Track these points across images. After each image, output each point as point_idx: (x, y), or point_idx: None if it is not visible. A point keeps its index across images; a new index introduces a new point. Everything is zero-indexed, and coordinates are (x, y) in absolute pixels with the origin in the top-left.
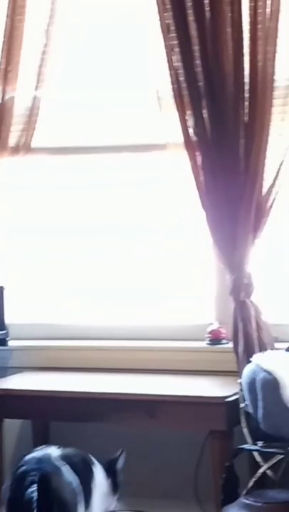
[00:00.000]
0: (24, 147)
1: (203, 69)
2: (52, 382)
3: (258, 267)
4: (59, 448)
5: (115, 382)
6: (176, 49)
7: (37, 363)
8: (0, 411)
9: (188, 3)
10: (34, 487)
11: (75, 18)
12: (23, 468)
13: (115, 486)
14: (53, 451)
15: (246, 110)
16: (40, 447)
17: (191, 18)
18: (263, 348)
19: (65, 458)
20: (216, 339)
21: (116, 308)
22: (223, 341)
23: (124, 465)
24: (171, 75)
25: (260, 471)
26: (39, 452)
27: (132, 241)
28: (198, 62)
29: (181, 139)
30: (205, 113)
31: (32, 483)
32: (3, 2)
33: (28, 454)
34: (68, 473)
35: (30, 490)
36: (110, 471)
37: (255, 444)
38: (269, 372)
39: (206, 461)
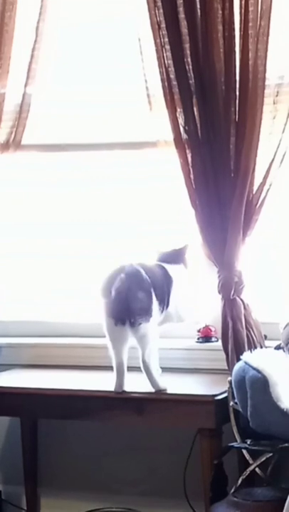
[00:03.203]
0: (14, 144)
1: (193, 67)
2: (41, 379)
3: (249, 265)
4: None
5: (104, 379)
6: (167, 46)
7: (26, 361)
8: None
9: (180, 1)
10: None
11: (66, 15)
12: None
13: None
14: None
15: (237, 108)
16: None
17: (182, 15)
18: (252, 346)
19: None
20: (205, 337)
21: None
22: (213, 339)
23: None
24: (161, 72)
25: (249, 469)
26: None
27: (122, 238)
28: (188, 59)
29: (171, 136)
30: (195, 111)
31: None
32: None
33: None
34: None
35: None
36: None
37: (244, 442)
38: (258, 371)
39: (195, 459)
